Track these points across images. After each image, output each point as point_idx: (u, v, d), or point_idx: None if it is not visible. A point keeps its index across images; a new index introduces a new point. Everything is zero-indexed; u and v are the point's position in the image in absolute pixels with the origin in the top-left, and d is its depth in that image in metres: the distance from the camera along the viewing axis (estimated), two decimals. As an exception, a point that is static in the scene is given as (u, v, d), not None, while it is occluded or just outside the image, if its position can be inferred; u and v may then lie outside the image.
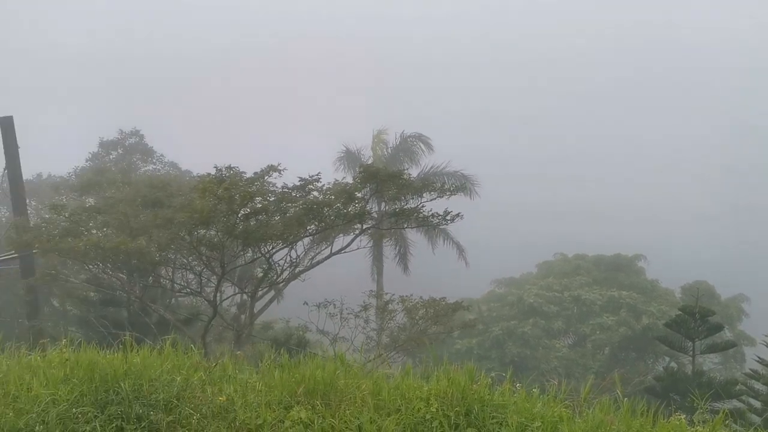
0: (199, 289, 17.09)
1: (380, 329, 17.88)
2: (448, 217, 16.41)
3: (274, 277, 16.81)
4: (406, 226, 18.53)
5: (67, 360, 5.37)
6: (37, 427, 4.18)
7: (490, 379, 5.47)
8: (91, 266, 16.89)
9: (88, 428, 4.31)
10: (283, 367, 5.84)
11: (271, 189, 15.56)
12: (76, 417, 4.37)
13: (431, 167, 29.66)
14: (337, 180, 16.87)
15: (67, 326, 19.95)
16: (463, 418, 4.86)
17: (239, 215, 14.64)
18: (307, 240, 17.48)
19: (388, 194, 16.58)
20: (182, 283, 18.00)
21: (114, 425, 4.46)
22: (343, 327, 16.81)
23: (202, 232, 15.13)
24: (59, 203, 19.44)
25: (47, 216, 19.90)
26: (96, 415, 4.47)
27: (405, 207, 16.58)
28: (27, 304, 17.87)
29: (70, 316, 22.14)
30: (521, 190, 77.60)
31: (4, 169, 17.80)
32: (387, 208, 18.24)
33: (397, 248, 29.65)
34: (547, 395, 5.38)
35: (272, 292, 17.86)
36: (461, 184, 22.18)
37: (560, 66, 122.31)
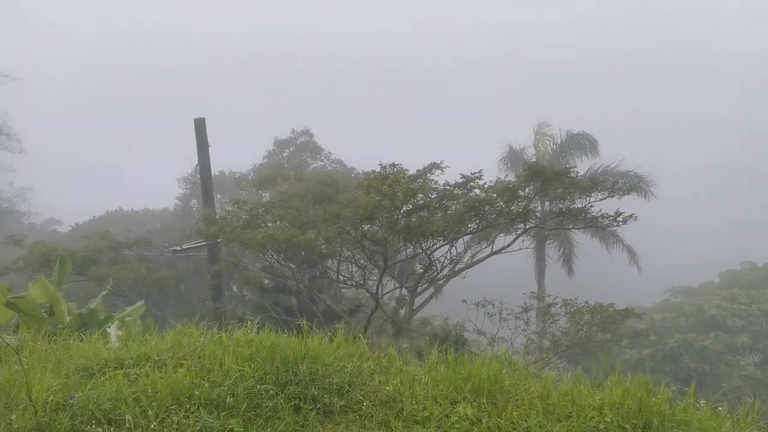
0: (362, 282, 17.75)
1: (542, 332, 17.30)
2: (620, 219, 15.43)
3: (434, 274, 16.97)
4: (572, 226, 17.75)
5: (251, 340, 5.81)
6: (227, 399, 4.57)
7: (670, 393, 5.06)
8: (266, 256, 18.23)
9: (270, 404, 4.63)
10: (449, 363, 5.85)
11: (433, 186, 15.69)
12: (260, 393, 4.72)
13: (600, 166, 28.19)
14: (499, 178, 16.61)
15: (244, 310, 21.81)
16: (640, 431, 4.54)
17: (402, 211, 14.96)
18: (467, 238, 17.42)
19: (553, 193, 15.99)
20: (346, 275, 18.80)
21: (292, 404, 4.74)
22: (502, 327, 16.52)
23: (366, 227, 15.67)
24: (241, 198, 21.25)
25: (230, 209, 21.88)
26: (277, 393, 4.79)
27: (571, 207, 15.88)
28: (212, 288, 19.73)
29: (247, 300, 24.12)
30: (701, 193, 71.25)
31: (197, 166, 19.79)
32: (552, 207, 17.61)
33: (561, 250, 28.54)
34: (737, 415, 4.86)
35: (431, 289, 18.05)
36: (634, 184, 20.68)
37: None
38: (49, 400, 4.26)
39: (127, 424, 4.11)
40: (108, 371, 5.03)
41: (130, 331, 8.28)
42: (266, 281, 20.86)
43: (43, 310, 9.29)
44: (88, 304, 9.79)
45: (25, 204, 44.86)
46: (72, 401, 4.29)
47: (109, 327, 8.52)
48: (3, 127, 41.31)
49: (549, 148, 30.79)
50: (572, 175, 15.82)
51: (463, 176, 15.76)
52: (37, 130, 47.50)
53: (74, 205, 49.76)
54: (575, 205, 15.89)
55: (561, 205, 16.18)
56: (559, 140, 30.77)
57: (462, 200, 15.39)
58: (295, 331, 6.66)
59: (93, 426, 4.05)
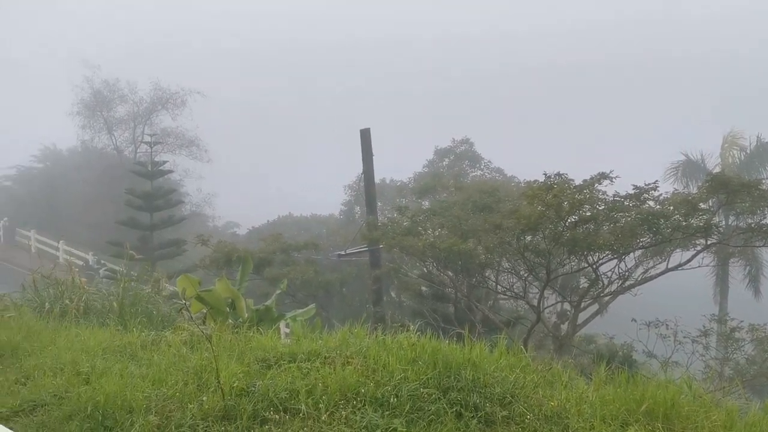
0: (522, 294, 17.35)
1: (723, 359, 15.69)
2: (821, 237, 13.60)
3: (600, 289, 16.11)
4: (761, 244, 15.93)
5: (414, 344, 5.91)
6: (391, 399, 4.68)
7: None
8: (425, 263, 18.49)
9: (432, 408, 4.67)
10: (618, 382, 5.51)
11: (601, 197, 14.93)
12: (423, 396, 4.77)
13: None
14: (676, 189, 15.39)
15: (403, 315, 22.29)
16: None
17: (567, 223, 14.41)
18: (638, 252, 16.33)
19: (740, 207, 14.49)
20: (506, 286, 18.49)
21: (454, 410, 4.74)
22: (676, 351, 15.23)
23: (529, 237, 15.30)
24: (402, 205, 21.81)
25: (392, 216, 22.53)
26: (439, 398, 4.82)
27: (762, 222, 14.28)
28: (373, 292, 20.42)
29: (405, 306, 24.64)
30: None
31: (361, 174, 20.66)
32: (738, 222, 15.96)
33: (747, 269, 25.72)
34: None
35: (596, 305, 17.16)
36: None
37: None
38: (234, 385, 4.66)
39: (301, 414, 4.37)
40: (283, 364, 5.38)
41: (300, 329, 8.82)
42: (424, 288, 21.15)
43: (226, 305, 10.22)
44: (264, 302, 10.59)
45: (210, 208, 49.85)
46: (253, 388, 4.65)
47: (283, 324, 9.15)
48: (195, 139, 46.34)
49: (737, 158, 27.93)
50: (763, 186, 14.23)
51: (636, 187, 14.82)
52: (219, 141, 52.38)
53: (251, 209, 54.17)
54: (766, 221, 14.29)
55: (749, 220, 14.62)
56: (748, 149, 27.80)
57: (634, 212, 14.48)
58: (454, 339, 6.67)
59: (271, 412, 4.36)
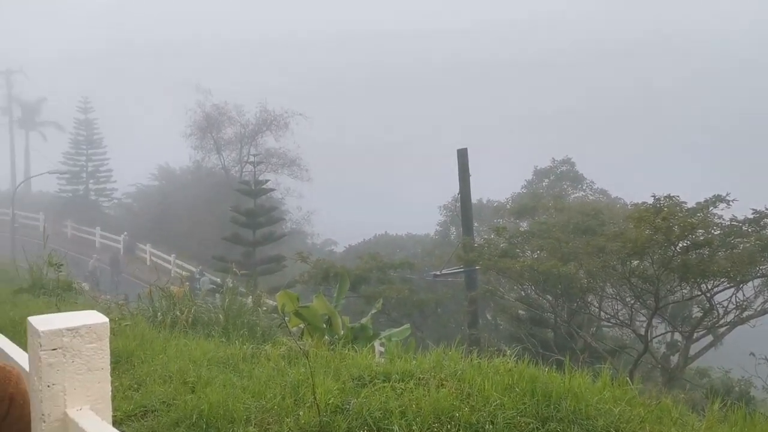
0: (628, 322, 16.49)
1: None
2: None
3: (715, 320, 15.02)
4: None
5: (510, 370, 5.73)
6: (486, 425, 4.55)
7: None
8: (523, 286, 18.03)
9: (530, 438, 4.49)
10: (735, 421, 5.08)
11: (717, 221, 13.98)
12: (520, 425, 4.61)
13: None
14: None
15: (498, 339, 21.79)
16: None
17: (677, 247, 13.60)
18: (758, 281, 15.11)
19: None
20: (610, 313, 17.65)
21: (553, 442, 4.54)
22: (803, 390, 13.89)
23: (635, 262, 14.57)
24: (500, 226, 21.45)
25: (488, 237, 22.19)
26: (537, 428, 4.63)
27: None
28: (468, 314, 20.13)
29: (501, 330, 24.09)
30: None
31: (458, 194, 20.55)
32: None
33: None
34: None
35: (710, 336, 16.00)
36: None
37: None
38: (330, 402, 4.71)
39: (394, 435, 4.34)
40: (377, 383, 5.39)
41: (395, 349, 8.82)
42: (522, 312, 20.61)
43: (322, 321, 10.41)
44: (360, 320, 10.70)
45: (309, 226, 51.35)
46: (348, 406, 4.68)
47: (377, 343, 9.20)
48: (296, 158, 48.11)
49: None
50: None
51: (755, 211, 13.77)
52: (319, 160, 54.00)
53: (347, 227, 55.25)
54: None
55: None
56: None
57: (753, 238, 13.45)
58: (553, 366, 6.42)
59: (365, 431, 4.36)
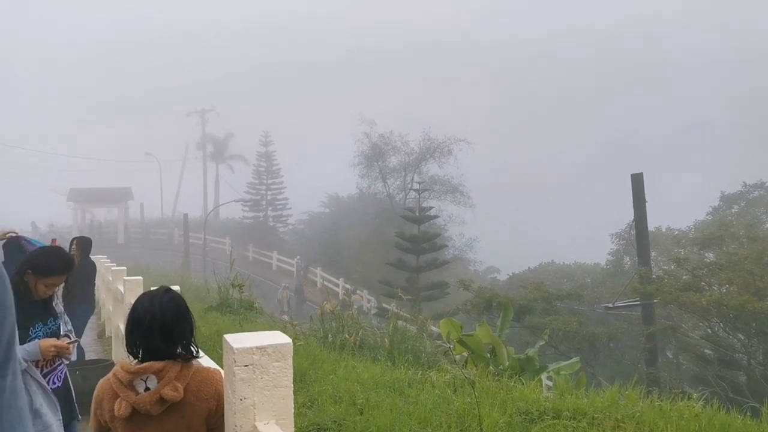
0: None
1: None
2: None
3: None
4: None
5: (698, 415, 5.20)
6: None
7: None
8: (710, 323, 16.34)
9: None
10: None
11: None
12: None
13: None
14: None
15: (681, 380, 19.86)
16: None
17: None
18: None
19: None
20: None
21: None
22: None
23: None
24: (681, 257, 19.70)
25: (668, 268, 20.46)
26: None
27: None
28: (645, 350, 18.63)
29: (683, 370, 21.97)
30: None
31: (632, 222, 19.24)
32: None
33: None
34: None
35: None
36: None
37: None
38: (497, 435, 4.58)
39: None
40: (546, 419, 5.15)
41: (564, 384, 8.40)
42: (708, 351, 18.65)
43: (486, 351, 10.24)
44: (525, 351, 10.36)
45: (472, 252, 51.05)
46: (517, 442, 4.52)
47: (545, 376, 8.82)
48: (458, 185, 48.34)
49: None
50: None
51: None
52: (481, 186, 53.73)
53: (511, 254, 54.12)
54: None
55: None
56: None
57: None
58: (748, 414, 5.70)
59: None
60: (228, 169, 63.42)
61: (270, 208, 54.38)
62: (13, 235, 5.90)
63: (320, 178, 58.38)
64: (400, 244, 32.30)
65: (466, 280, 25.57)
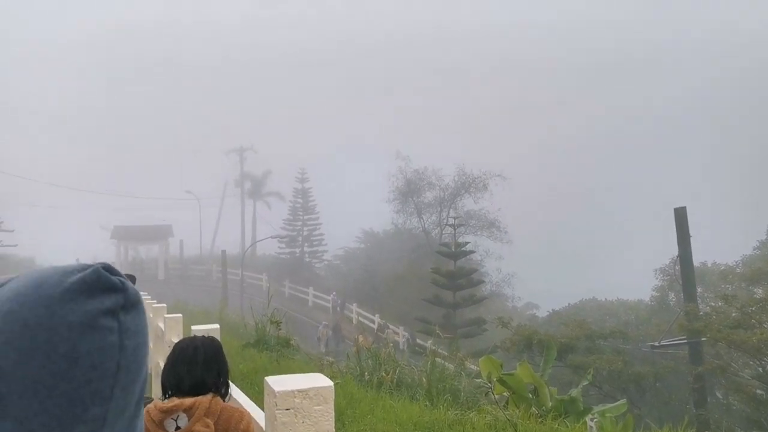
0: None
1: None
2: None
3: None
4: None
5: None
6: None
7: None
8: (761, 362, 15.62)
9: None
10: None
11: None
12: None
13: None
14: None
15: (732, 422, 18.95)
16: None
17: None
18: None
19: None
20: None
21: None
22: None
23: None
24: (728, 293, 19.00)
25: (716, 305, 19.75)
26: None
27: None
28: (694, 391, 17.88)
29: (734, 411, 20.98)
30: None
31: (676, 257, 18.70)
32: None
33: None
34: None
35: None
36: None
37: None
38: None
39: None
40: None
41: (610, 426, 8.05)
42: (760, 391, 17.78)
43: (528, 391, 9.92)
44: (568, 392, 10.02)
45: (510, 288, 50.26)
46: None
47: (590, 419, 8.47)
48: (495, 220, 47.97)
49: None
50: None
51: None
52: (517, 220, 53.25)
53: (548, 290, 53.11)
54: None
55: None
56: None
57: None
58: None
59: None
60: (265, 206, 64.38)
61: (306, 244, 54.74)
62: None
63: (355, 214, 58.75)
64: (437, 280, 32.01)
65: (504, 316, 25.08)
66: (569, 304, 42.25)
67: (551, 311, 41.43)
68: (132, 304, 0.61)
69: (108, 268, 0.61)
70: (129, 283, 0.63)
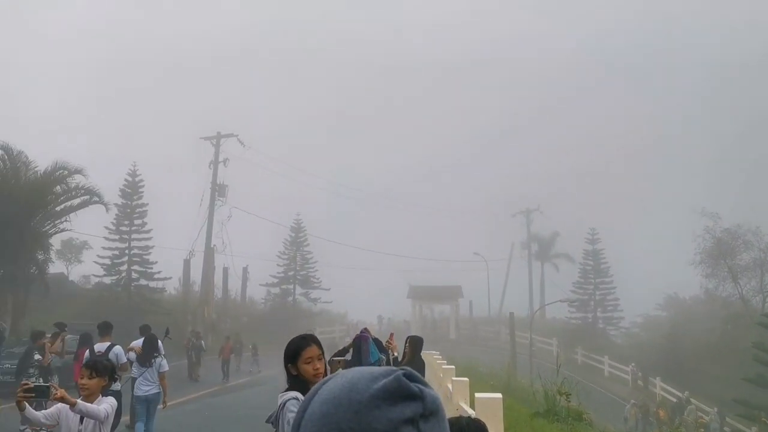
0: None
1: None
2: None
3: None
4: None
5: None
6: None
7: None
8: None
9: None
10: None
11: None
12: None
13: None
14: None
15: None
16: None
17: None
18: None
19: None
20: None
21: None
22: None
23: None
24: None
25: None
26: None
27: None
28: None
29: None
30: None
31: None
32: None
33: None
34: None
35: None
36: None
37: None
38: None
39: None
40: None
41: None
42: None
43: None
44: None
45: None
46: None
47: None
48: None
49: None
50: None
51: None
52: None
53: None
54: None
55: None
56: None
57: None
58: None
59: None
60: (553, 268, 62.98)
61: (599, 309, 51.66)
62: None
63: (655, 278, 53.75)
64: (760, 357, 27.21)
65: None
66: None
67: None
68: (431, 412, 0.65)
69: (408, 375, 0.66)
70: (428, 391, 0.66)
